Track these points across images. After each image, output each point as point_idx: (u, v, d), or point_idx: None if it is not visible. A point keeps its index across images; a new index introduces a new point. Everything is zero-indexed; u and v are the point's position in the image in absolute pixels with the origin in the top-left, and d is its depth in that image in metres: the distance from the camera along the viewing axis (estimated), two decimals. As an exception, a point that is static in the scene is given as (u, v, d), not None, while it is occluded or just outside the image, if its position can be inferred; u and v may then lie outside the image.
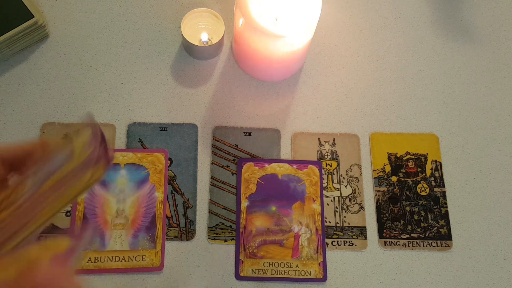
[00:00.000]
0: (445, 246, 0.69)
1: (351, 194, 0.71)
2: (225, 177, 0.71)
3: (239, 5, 0.65)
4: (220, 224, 0.69)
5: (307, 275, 0.67)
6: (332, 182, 0.72)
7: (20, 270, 0.35)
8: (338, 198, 0.71)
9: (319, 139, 0.74)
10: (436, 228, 0.70)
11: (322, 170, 0.72)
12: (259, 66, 0.74)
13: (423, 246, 0.69)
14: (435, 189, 0.72)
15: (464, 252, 0.69)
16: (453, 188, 0.72)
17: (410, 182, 0.72)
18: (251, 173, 0.71)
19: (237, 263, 0.67)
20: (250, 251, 0.67)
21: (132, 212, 0.68)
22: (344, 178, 0.72)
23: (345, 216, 0.70)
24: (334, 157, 0.73)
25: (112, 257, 0.66)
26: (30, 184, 0.38)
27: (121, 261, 0.66)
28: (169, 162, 0.71)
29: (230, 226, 0.69)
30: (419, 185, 0.72)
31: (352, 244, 0.69)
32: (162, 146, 0.72)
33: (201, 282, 0.66)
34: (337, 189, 0.71)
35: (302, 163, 0.72)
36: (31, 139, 0.42)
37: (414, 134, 0.75)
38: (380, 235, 0.69)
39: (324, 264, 0.67)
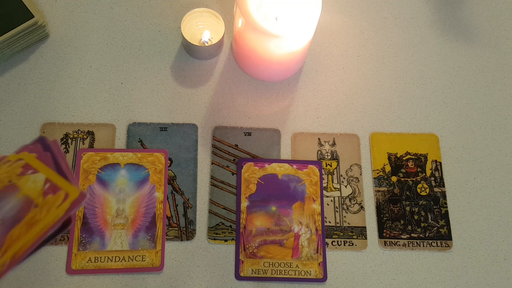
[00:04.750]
0: (445, 246, 0.69)
1: (351, 194, 0.71)
2: (225, 177, 0.71)
3: (239, 5, 0.65)
4: (220, 224, 0.69)
5: (307, 275, 0.67)
6: (332, 182, 0.72)
7: None
8: (338, 198, 0.71)
9: (319, 139, 0.74)
10: (436, 228, 0.70)
11: (322, 170, 0.72)
12: (259, 66, 0.74)
13: (423, 246, 0.69)
14: (435, 189, 0.72)
15: (464, 252, 0.69)
16: (453, 188, 0.72)
17: (410, 182, 0.72)
18: (251, 173, 0.71)
19: (237, 263, 0.67)
20: (250, 251, 0.67)
21: (132, 212, 0.68)
22: (344, 178, 0.72)
23: (345, 216, 0.70)
24: (334, 157, 0.73)
25: (112, 257, 0.66)
26: None
27: (121, 261, 0.66)
28: (169, 162, 0.71)
29: (230, 226, 0.69)
30: (419, 185, 0.72)
31: (352, 244, 0.69)
32: (162, 146, 0.72)
33: (201, 282, 0.66)
34: (337, 189, 0.71)
35: (302, 163, 0.72)
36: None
37: (414, 134, 0.75)
38: (380, 235, 0.69)
39: (324, 264, 0.67)
